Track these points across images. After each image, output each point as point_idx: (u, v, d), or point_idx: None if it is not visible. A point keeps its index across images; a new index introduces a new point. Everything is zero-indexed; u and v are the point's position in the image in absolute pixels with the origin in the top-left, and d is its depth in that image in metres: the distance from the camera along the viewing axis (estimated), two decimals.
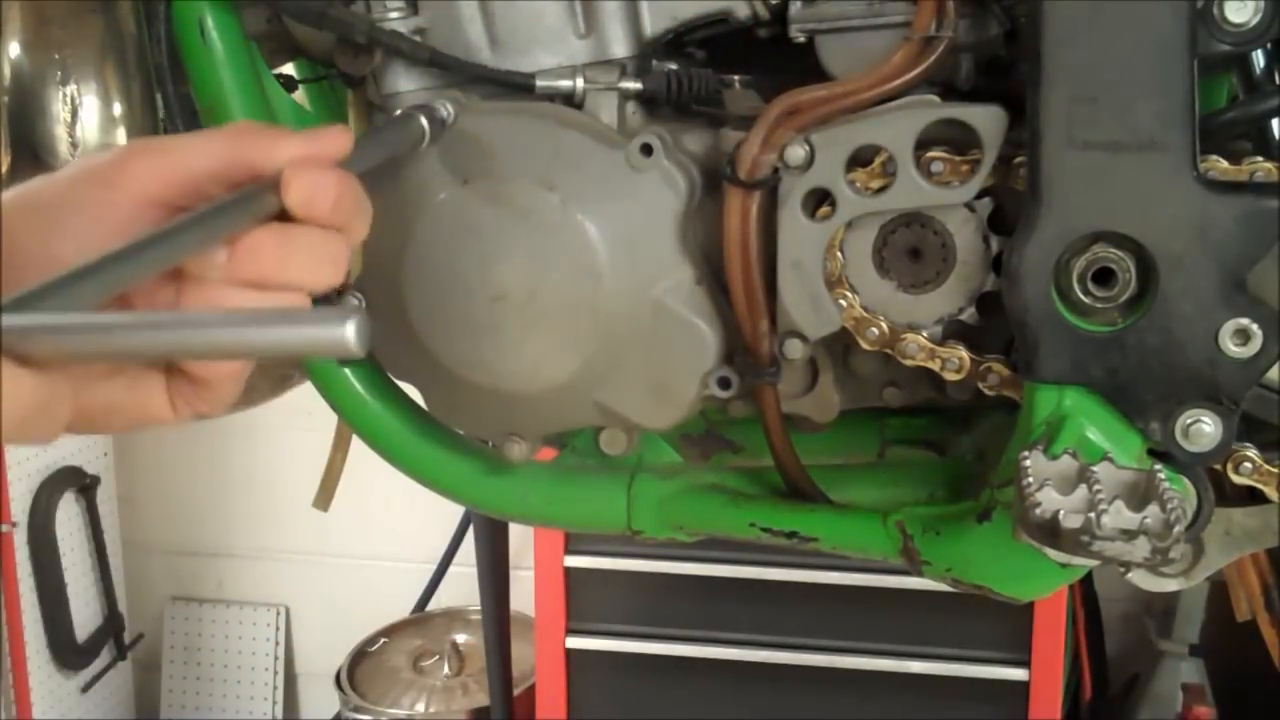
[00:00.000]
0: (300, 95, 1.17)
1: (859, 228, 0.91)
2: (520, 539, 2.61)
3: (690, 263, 0.92)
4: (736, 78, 1.00)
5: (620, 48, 0.95)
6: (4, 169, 0.97)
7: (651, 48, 0.96)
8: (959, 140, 0.87)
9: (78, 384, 0.56)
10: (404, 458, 1.06)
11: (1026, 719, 2.22)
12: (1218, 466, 0.86)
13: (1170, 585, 0.95)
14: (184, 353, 0.58)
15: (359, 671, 3.05)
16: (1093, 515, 0.74)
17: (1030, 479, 0.79)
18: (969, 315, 0.92)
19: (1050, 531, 0.75)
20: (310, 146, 0.65)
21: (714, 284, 0.93)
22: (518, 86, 0.94)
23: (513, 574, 2.64)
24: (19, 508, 2.95)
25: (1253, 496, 0.88)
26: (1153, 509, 0.75)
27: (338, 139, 0.67)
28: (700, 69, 0.96)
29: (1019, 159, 0.86)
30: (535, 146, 0.91)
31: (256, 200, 0.62)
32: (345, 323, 0.50)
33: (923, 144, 0.87)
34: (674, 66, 0.96)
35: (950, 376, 0.92)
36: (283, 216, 0.63)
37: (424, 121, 0.85)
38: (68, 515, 3.11)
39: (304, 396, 1.14)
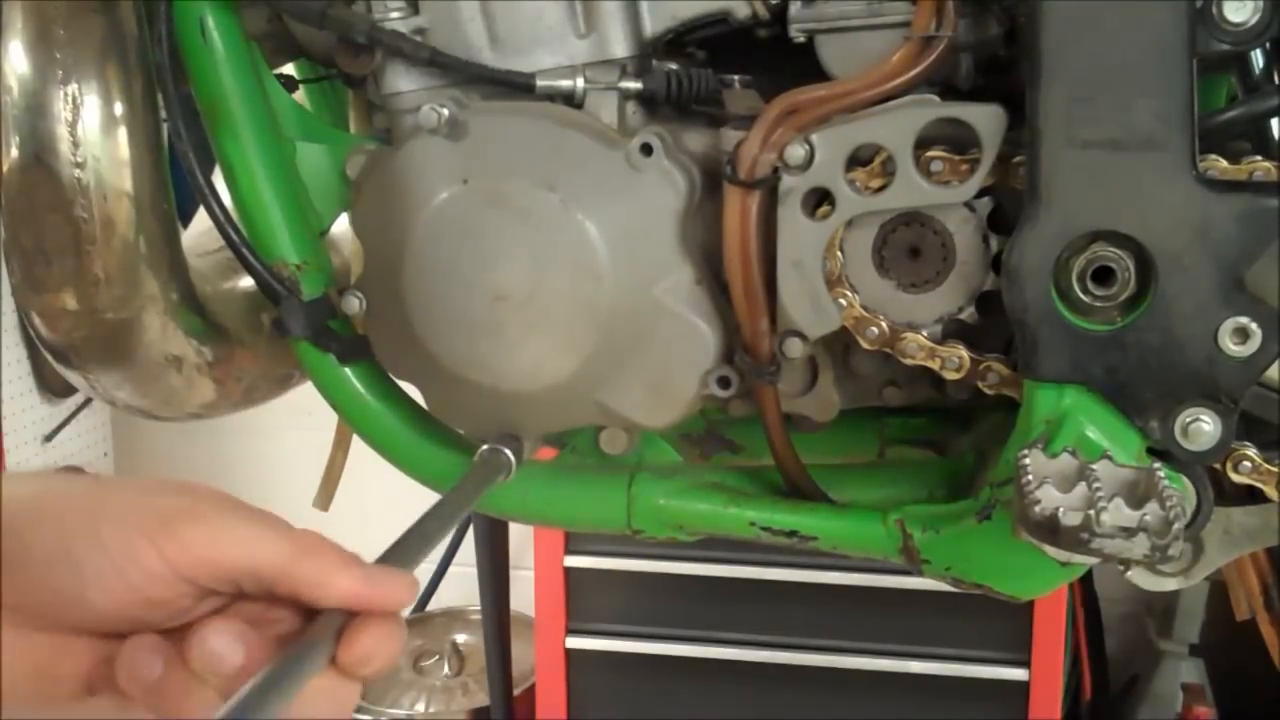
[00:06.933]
0: (300, 95, 1.17)
1: (859, 227, 0.91)
2: (520, 539, 2.61)
3: (690, 262, 0.92)
4: (736, 78, 1.00)
5: (620, 48, 0.95)
6: (6, 169, 0.97)
7: (651, 48, 0.96)
8: (958, 139, 0.87)
9: None
10: (404, 458, 1.06)
11: (1026, 719, 2.22)
12: (1217, 465, 0.86)
13: (1169, 584, 0.95)
14: None
15: None
16: (1092, 513, 0.74)
17: (1030, 477, 0.79)
18: (969, 314, 0.92)
19: (1050, 529, 0.75)
20: (370, 589, 0.59)
21: (714, 284, 0.93)
22: (518, 86, 0.94)
23: (513, 574, 2.63)
24: None
25: (1252, 495, 0.88)
26: (1152, 507, 0.75)
27: (402, 590, 0.60)
28: (700, 69, 0.96)
29: (1018, 158, 0.86)
30: (535, 146, 0.91)
31: (318, 652, 0.58)
32: None
33: (922, 143, 0.87)
34: (674, 66, 0.96)
35: (950, 376, 0.92)
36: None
37: (509, 454, 0.90)
38: None
39: (304, 396, 1.14)
